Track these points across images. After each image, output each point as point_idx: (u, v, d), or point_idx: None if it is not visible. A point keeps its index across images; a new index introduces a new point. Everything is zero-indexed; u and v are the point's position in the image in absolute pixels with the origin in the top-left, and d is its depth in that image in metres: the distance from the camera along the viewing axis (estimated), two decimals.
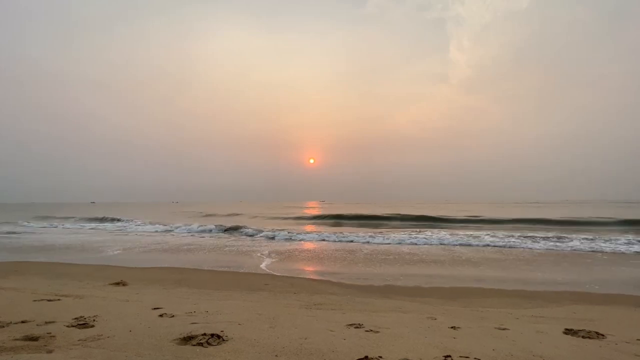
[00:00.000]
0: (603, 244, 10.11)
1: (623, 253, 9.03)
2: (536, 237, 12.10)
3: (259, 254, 9.23)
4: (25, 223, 21.70)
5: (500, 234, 13.26)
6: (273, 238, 13.33)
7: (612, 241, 10.49)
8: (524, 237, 12.17)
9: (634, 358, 2.30)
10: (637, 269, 7.04)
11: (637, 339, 2.70)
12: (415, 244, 11.34)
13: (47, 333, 2.52)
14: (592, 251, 9.35)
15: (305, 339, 2.47)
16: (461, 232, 14.06)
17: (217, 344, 2.32)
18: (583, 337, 2.75)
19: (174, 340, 2.40)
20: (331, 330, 2.71)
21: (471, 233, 13.65)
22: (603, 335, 2.78)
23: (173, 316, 3.07)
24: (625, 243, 10.16)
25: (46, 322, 2.80)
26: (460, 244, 11.01)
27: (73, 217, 27.06)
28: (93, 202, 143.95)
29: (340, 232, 14.45)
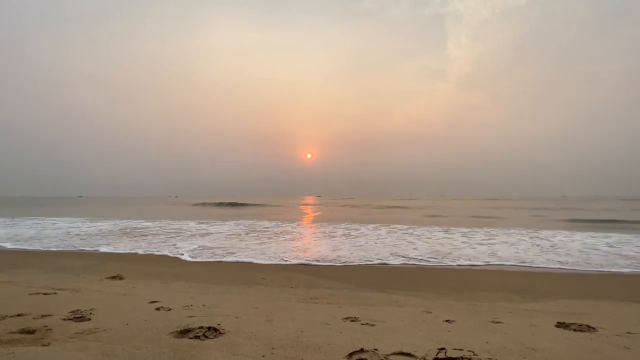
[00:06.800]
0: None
1: None
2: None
3: None
4: None
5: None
6: None
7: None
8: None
9: (623, 350, 2.35)
10: None
11: (627, 332, 2.76)
12: None
13: (44, 326, 2.52)
14: None
15: (302, 332, 2.50)
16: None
17: (214, 337, 2.34)
18: (575, 330, 2.80)
19: (171, 333, 2.41)
20: (327, 324, 2.74)
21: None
22: (594, 328, 2.83)
23: (170, 310, 3.08)
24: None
25: (42, 316, 2.80)
26: None
27: None
28: (80, 196, 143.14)
29: None
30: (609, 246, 9.28)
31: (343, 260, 7.32)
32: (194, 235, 11.80)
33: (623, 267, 6.64)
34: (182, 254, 8.02)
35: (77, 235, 11.76)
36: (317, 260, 7.30)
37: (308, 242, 10.25)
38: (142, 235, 11.67)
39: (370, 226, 14.81)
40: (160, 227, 14.68)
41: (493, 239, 10.58)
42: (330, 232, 12.76)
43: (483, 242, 10.10)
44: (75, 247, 9.19)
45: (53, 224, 15.76)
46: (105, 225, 15.38)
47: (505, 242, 9.97)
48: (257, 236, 11.50)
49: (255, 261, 7.21)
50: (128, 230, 13.14)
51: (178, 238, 10.99)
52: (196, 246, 9.21)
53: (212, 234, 12.25)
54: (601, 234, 11.82)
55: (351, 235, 11.88)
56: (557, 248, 8.98)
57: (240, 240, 10.49)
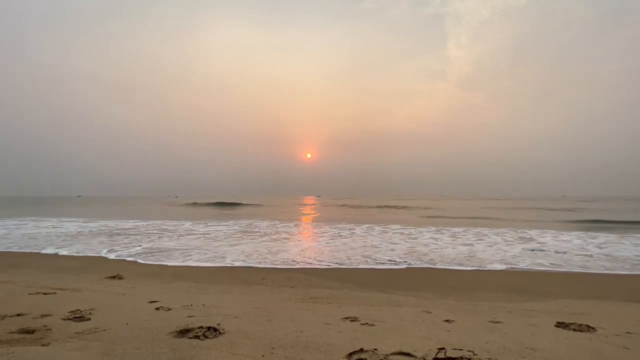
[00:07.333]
0: None
1: None
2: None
3: None
4: None
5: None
6: None
7: None
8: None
9: (623, 350, 2.35)
10: None
11: (627, 332, 2.76)
12: None
13: (43, 326, 2.52)
14: None
15: (302, 332, 2.50)
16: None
17: (214, 337, 2.34)
18: (574, 330, 2.80)
19: (171, 333, 2.41)
20: (327, 324, 2.74)
21: None
22: (594, 328, 2.83)
23: (170, 309, 3.08)
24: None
25: (42, 315, 2.80)
26: None
27: None
28: (79, 196, 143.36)
29: None
30: (596, 247, 9.21)
31: (305, 264, 6.88)
32: (172, 236, 11.48)
33: (609, 270, 6.55)
34: (121, 257, 7.66)
35: (47, 235, 11.48)
36: (270, 263, 6.90)
37: (283, 244, 9.83)
38: (115, 236, 11.40)
39: (365, 226, 14.80)
40: (147, 227, 14.59)
41: (481, 240, 10.53)
42: (316, 233, 12.68)
43: (468, 242, 10.04)
44: (22, 248, 8.79)
45: (35, 224, 15.58)
46: (89, 225, 15.21)
47: (490, 243, 9.90)
48: (241, 237, 11.29)
49: (194, 264, 6.82)
50: (107, 231, 12.93)
51: (149, 239, 10.57)
52: (140, 249, 8.73)
53: (195, 234, 12.00)
54: (590, 235, 11.78)
55: (341, 235, 11.77)
56: (541, 249, 8.82)
57: (215, 241, 10.20)
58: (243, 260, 7.22)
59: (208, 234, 12.21)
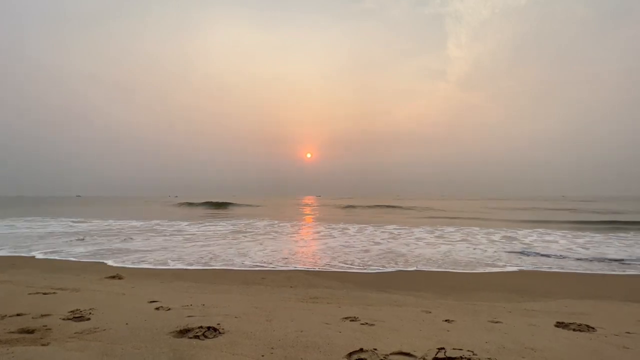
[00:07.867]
0: None
1: None
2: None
3: None
4: None
5: None
6: None
7: None
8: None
9: (622, 350, 2.35)
10: None
11: (626, 332, 2.76)
12: None
13: (43, 326, 2.52)
14: None
15: (301, 331, 2.50)
16: None
17: (214, 337, 2.34)
18: (574, 330, 2.80)
19: (171, 333, 2.41)
20: (327, 324, 2.74)
21: None
22: (593, 328, 2.83)
23: (169, 309, 3.08)
24: None
25: (42, 315, 2.80)
26: None
27: None
28: (79, 196, 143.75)
29: None
30: (579, 247, 9.19)
31: (250, 266, 6.53)
32: (155, 236, 11.16)
33: (587, 270, 6.49)
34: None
35: (18, 236, 11.21)
36: (231, 265, 6.61)
37: (258, 244, 9.50)
38: (88, 236, 11.04)
39: (358, 226, 14.79)
40: (135, 227, 14.48)
41: (465, 239, 10.52)
42: (302, 233, 12.59)
43: (452, 242, 10.04)
44: None
45: (14, 224, 15.43)
46: (75, 225, 15.08)
47: (473, 243, 9.86)
48: (223, 237, 11.05)
49: (142, 266, 6.49)
50: (85, 231, 12.77)
51: (122, 240, 10.22)
52: (93, 249, 8.35)
53: (179, 235, 11.73)
54: (577, 234, 11.77)
55: (332, 235, 11.68)
56: (525, 250, 8.69)
57: (189, 242, 9.79)
58: (205, 263, 6.85)
59: (194, 234, 11.93)
